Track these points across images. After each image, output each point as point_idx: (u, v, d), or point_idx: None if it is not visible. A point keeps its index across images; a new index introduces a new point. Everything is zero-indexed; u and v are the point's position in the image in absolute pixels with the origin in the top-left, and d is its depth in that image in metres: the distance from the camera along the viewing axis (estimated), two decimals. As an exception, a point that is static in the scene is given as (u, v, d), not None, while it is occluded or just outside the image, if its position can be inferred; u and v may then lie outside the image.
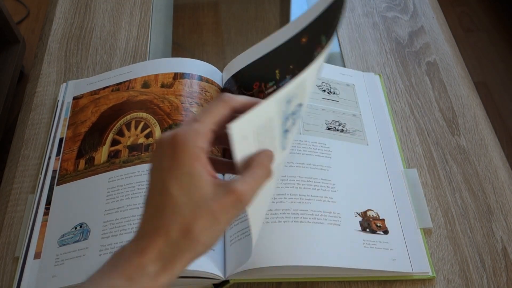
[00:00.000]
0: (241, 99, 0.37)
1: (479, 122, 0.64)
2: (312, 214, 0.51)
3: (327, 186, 0.54)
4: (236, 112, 0.36)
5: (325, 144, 0.58)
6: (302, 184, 0.53)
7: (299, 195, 0.52)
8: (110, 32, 0.77)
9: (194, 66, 0.65)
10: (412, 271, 0.50)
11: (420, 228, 0.54)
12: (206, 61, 0.66)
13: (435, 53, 0.72)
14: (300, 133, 0.58)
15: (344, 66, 0.70)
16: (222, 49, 0.84)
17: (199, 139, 0.33)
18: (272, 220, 0.50)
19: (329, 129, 0.60)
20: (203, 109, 0.36)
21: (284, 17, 0.91)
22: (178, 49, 0.82)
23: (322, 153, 0.57)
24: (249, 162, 0.35)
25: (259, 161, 0.35)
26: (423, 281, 0.51)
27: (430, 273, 0.51)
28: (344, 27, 0.76)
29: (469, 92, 0.68)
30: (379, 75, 0.69)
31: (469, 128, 0.64)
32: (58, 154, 0.60)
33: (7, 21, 1.49)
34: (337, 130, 0.60)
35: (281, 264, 0.48)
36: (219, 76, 0.66)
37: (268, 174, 0.35)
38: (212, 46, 0.83)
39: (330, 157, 0.57)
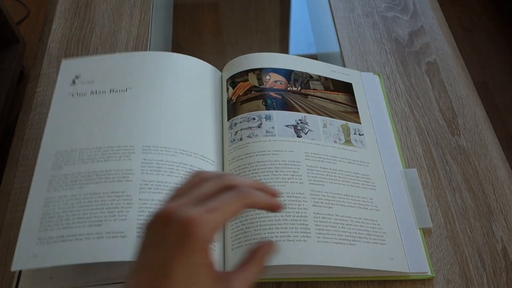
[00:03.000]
0: (258, 202, 0.37)
1: (479, 122, 0.64)
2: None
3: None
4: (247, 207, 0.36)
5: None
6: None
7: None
8: (110, 32, 0.77)
9: (193, 65, 0.65)
10: (407, 271, 0.50)
11: (420, 228, 0.54)
12: (206, 61, 0.66)
13: (435, 53, 0.72)
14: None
15: (344, 66, 0.70)
16: (222, 49, 0.84)
17: (213, 233, 0.33)
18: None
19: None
20: (221, 199, 0.35)
21: (284, 17, 0.91)
22: (178, 49, 0.82)
23: None
24: (250, 254, 0.37)
25: (258, 258, 0.37)
26: (423, 281, 0.51)
27: (429, 273, 0.51)
28: (344, 27, 0.76)
29: (469, 92, 0.68)
30: (379, 75, 0.69)
31: (469, 128, 0.64)
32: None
33: (7, 21, 1.49)
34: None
35: (282, 263, 0.48)
36: (219, 76, 0.66)
37: (262, 271, 0.37)
38: (212, 46, 0.83)
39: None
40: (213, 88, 0.64)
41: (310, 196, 0.52)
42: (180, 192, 0.37)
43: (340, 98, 0.64)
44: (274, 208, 0.38)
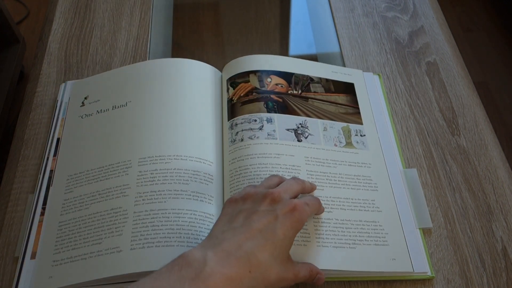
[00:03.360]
0: (322, 209, 0.51)
1: (479, 122, 0.64)
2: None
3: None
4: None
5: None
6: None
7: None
8: (110, 32, 0.77)
9: (192, 68, 0.65)
10: (410, 271, 0.50)
11: (420, 228, 0.54)
12: (206, 61, 0.66)
13: (435, 53, 0.72)
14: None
15: (344, 66, 0.70)
16: (222, 49, 0.84)
17: (305, 219, 0.44)
18: None
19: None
20: (311, 198, 0.48)
21: (284, 17, 0.91)
22: (178, 49, 0.82)
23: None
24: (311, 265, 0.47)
25: (312, 272, 0.46)
26: (423, 281, 0.51)
27: (429, 273, 0.51)
28: (344, 27, 0.76)
29: (469, 92, 0.68)
30: (379, 75, 0.69)
31: (469, 128, 0.64)
32: (55, 154, 0.60)
33: (7, 21, 1.49)
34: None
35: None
36: (219, 76, 0.66)
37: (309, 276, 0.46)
38: (212, 46, 0.83)
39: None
40: (213, 88, 0.64)
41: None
42: (273, 184, 0.48)
43: (341, 100, 0.64)
44: (321, 212, 0.51)
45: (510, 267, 0.52)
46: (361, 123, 0.62)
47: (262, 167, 0.54)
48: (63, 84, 0.68)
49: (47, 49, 0.75)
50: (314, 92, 0.64)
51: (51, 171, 0.59)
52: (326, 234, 0.50)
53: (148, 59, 0.73)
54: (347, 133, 0.60)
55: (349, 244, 0.50)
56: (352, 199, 0.54)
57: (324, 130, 0.59)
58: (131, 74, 0.65)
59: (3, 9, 1.46)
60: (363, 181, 0.56)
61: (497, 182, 0.58)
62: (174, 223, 0.50)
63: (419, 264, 0.51)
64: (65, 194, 0.56)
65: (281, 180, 0.49)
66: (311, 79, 0.65)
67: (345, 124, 0.61)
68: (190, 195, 0.52)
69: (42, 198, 0.57)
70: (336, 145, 0.58)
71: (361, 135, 0.60)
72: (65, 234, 0.53)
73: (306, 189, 0.50)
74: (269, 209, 0.43)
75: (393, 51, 0.73)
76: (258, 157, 0.55)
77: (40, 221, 0.55)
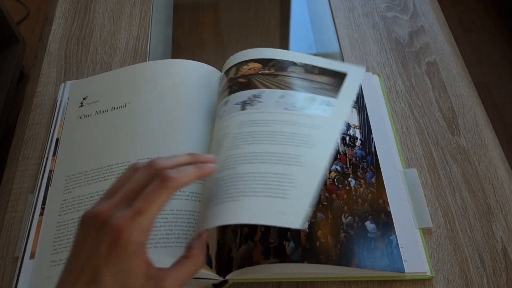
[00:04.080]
0: (184, 180, 0.38)
1: (479, 122, 0.64)
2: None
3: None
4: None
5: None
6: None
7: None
8: (110, 32, 0.77)
9: (192, 68, 0.65)
10: (410, 271, 0.50)
11: (419, 228, 0.54)
12: (206, 61, 0.66)
13: (435, 53, 0.72)
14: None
15: (344, 66, 0.70)
16: (222, 49, 0.84)
17: (142, 236, 0.35)
18: None
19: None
20: (146, 195, 0.36)
21: (284, 17, 0.91)
22: (178, 49, 0.82)
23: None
24: (186, 250, 0.40)
25: (194, 253, 0.39)
26: (422, 281, 0.51)
27: (429, 273, 0.51)
28: (344, 27, 0.76)
29: (469, 92, 0.68)
30: (379, 75, 0.69)
31: (469, 128, 0.64)
32: (54, 154, 0.60)
33: (7, 21, 1.49)
34: None
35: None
36: (217, 76, 0.66)
37: (200, 264, 0.39)
38: (212, 46, 0.83)
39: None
40: (212, 89, 0.64)
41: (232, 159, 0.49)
42: (113, 189, 0.38)
43: (321, 80, 0.59)
44: (204, 175, 0.40)
45: (510, 267, 0.52)
46: (333, 97, 0.56)
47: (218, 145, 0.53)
48: (63, 84, 0.68)
49: (47, 49, 0.75)
50: (291, 71, 0.60)
51: (50, 171, 0.59)
52: (214, 193, 0.47)
53: (148, 59, 0.73)
54: (309, 102, 0.55)
55: (233, 197, 0.46)
56: (271, 153, 0.49)
57: (280, 97, 0.55)
58: (130, 75, 0.65)
59: (3, 9, 1.46)
60: (298, 139, 0.51)
61: (497, 182, 0.58)
62: (172, 224, 0.50)
63: (417, 264, 0.51)
64: (63, 195, 0.56)
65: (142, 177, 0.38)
66: (293, 64, 0.61)
67: (311, 95, 0.56)
68: (188, 195, 0.53)
69: (42, 198, 0.57)
70: (287, 109, 0.54)
71: (326, 105, 0.55)
72: (63, 234, 0.53)
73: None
74: (95, 240, 0.34)
75: (393, 51, 0.73)
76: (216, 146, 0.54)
77: (39, 221, 0.55)
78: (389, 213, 0.53)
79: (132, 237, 0.34)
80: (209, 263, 0.48)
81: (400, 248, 0.51)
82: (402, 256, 0.51)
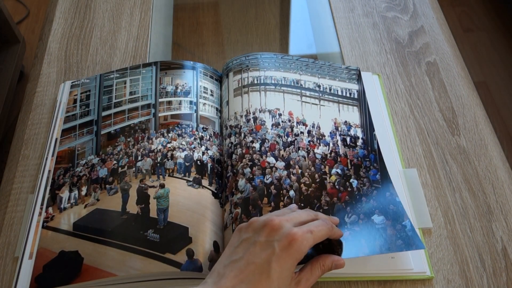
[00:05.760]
0: (336, 233, 0.47)
1: (479, 122, 0.64)
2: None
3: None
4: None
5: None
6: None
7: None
8: (110, 32, 0.77)
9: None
10: (409, 270, 0.50)
11: (419, 228, 0.54)
12: (206, 61, 0.66)
13: (435, 53, 0.72)
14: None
15: (344, 65, 0.70)
16: (222, 49, 0.84)
17: (306, 249, 0.43)
18: None
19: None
20: (315, 224, 0.45)
21: (284, 17, 0.90)
22: (178, 49, 0.82)
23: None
24: (321, 257, 0.47)
25: (324, 266, 0.46)
26: (422, 281, 0.51)
27: (428, 273, 0.51)
28: (344, 27, 0.76)
29: (469, 92, 0.68)
30: (378, 75, 0.69)
31: (469, 128, 0.64)
32: (53, 154, 0.60)
33: (7, 21, 1.49)
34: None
35: None
36: (218, 76, 0.66)
37: (323, 272, 0.46)
38: (212, 46, 0.83)
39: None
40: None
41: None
42: (281, 213, 0.47)
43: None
44: (338, 238, 0.49)
45: (510, 267, 0.52)
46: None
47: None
48: (63, 84, 0.68)
49: (47, 49, 0.75)
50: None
51: (49, 171, 0.59)
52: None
53: (148, 59, 0.73)
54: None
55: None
56: None
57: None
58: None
59: (3, 9, 1.46)
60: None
61: (497, 182, 0.58)
62: None
63: (417, 264, 0.51)
64: None
65: (308, 217, 0.48)
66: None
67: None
68: None
69: (41, 198, 0.57)
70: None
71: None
72: None
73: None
74: (268, 240, 0.43)
75: (393, 51, 0.73)
76: None
77: (38, 221, 0.55)
78: (399, 202, 0.52)
79: (303, 245, 0.42)
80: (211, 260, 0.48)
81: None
82: (401, 256, 0.50)
